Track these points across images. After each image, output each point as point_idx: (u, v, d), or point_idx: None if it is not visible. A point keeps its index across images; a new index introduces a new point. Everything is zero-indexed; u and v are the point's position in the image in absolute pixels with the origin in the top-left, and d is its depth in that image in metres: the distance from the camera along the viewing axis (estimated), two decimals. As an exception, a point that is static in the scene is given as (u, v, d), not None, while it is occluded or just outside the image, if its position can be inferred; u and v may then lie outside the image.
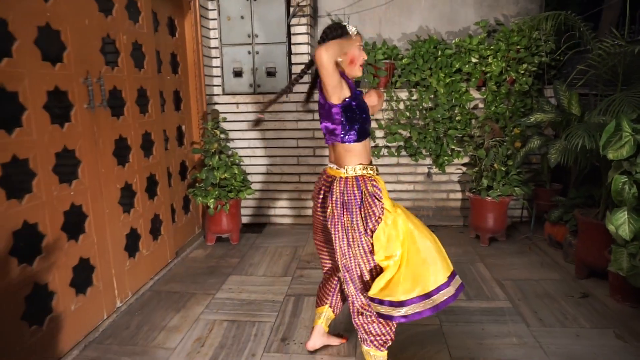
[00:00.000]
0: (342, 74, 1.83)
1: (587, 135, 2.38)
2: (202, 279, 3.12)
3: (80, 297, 2.32)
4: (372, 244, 1.79)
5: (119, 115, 2.69)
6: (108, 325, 2.49)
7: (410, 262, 1.77)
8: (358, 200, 1.79)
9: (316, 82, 1.96)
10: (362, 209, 1.78)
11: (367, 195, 1.79)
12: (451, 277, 1.81)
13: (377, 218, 1.77)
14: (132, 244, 2.83)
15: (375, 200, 1.78)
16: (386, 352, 1.96)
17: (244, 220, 4.28)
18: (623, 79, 2.58)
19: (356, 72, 1.87)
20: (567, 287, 2.88)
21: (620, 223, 2.09)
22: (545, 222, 3.57)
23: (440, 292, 1.76)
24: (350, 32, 1.81)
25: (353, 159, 1.85)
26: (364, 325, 1.92)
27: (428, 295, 1.75)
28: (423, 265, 1.76)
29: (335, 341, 2.28)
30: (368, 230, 1.77)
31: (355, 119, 1.80)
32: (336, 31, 1.82)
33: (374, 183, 1.82)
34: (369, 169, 1.85)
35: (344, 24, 1.86)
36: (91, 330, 2.39)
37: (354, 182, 1.81)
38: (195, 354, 2.23)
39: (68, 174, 2.26)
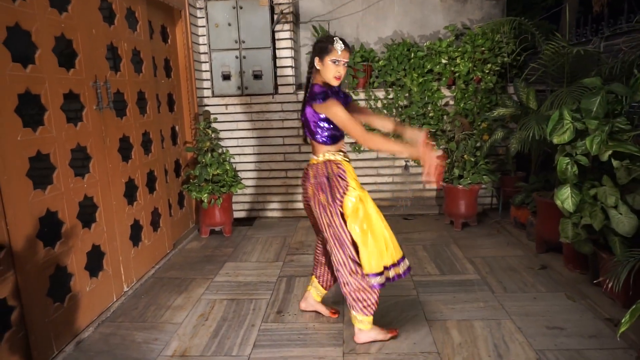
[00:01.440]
0: (329, 88, 2.14)
1: (537, 126, 2.75)
2: (200, 266, 3.38)
3: (94, 279, 2.57)
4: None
5: (122, 116, 2.94)
6: (118, 307, 2.74)
7: (376, 237, 2.13)
8: (325, 180, 2.15)
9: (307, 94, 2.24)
10: (330, 187, 2.14)
11: (332, 175, 2.15)
12: (402, 258, 2.24)
13: (342, 192, 2.12)
14: (135, 234, 3.08)
15: (339, 179, 2.14)
16: (372, 316, 2.27)
17: (236, 215, 4.55)
18: (569, 76, 2.96)
19: (333, 82, 2.13)
20: (529, 261, 3.24)
21: (565, 197, 2.45)
22: (510, 206, 3.94)
23: (396, 267, 2.21)
24: (337, 49, 2.02)
25: (325, 150, 2.21)
26: (351, 293, 2.21)
27: (387, 268, 2.17)
28: (384, 241, 2.15)
29: (324, 311, 2.57)
30: (337, 202, 2.12)
31: (330, 128, 2.15)
32: (322, 43, 2.07)
33: (339, 165, 2.17)
34: (336, 154, 2.20)
35: (335, 39, 2.05)
36: (103, 310, 2.64)
37: (323, 166, 2.18)
38: (200, 327, 2.51)
39: (81, 168, 2.51)
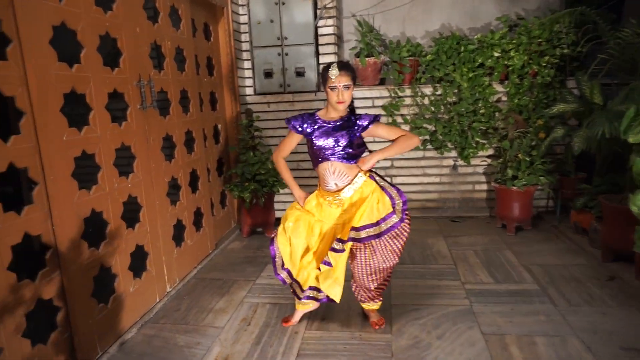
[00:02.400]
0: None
1: (608, 123, 2.49)
2: (242, 268, 3.32)
3: (137, 280, 2.55)
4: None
5: (165, 115, 2.92)
6: (160, 308, 2.72)
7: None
8: None
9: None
10: None
11: None
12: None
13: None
14: (178, 234, 3.06)
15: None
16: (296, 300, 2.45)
17: (278, 214, 4.47)
18: (644, 67, 2.68)
19: (337, 108, 2.17)
20: (594, 271, 2.97)
21: (643, 203, 2.20)
22: (570, 210, 3.66)
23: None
24: (331, 76, 2.09)
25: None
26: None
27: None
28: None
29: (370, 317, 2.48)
30: None
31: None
32: (323, 72, 2.16)
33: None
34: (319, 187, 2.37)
35: (332, 65, 2.11)
36: (146, 311, 2.62)
37: None
38: (242, 332, 2.43)
39: (126, 167, 2.49)
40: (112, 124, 2.35)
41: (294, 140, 2.33)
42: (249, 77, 4.32)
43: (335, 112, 2.21)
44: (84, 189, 2.13)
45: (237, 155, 4.06)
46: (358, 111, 2.30)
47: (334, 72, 2.08)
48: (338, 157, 2.18)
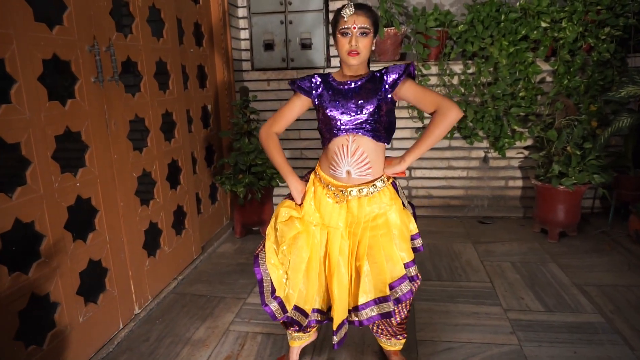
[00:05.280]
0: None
1: None
2: (232, 279, 2.75)
3: (91, 306, 1.97)
4: None
5: (134, 93, 2.30)
6: (124, 337, 2.15)
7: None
8: None
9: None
10: None
11: None
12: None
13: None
14: (151, 240, 2.47)
15: None
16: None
17: (276, 210, 3.89)
18: None
19: (348, 62, 1.54)
20: (670, 297, 2.37)
21: None
22: (629, 214, 3.03)
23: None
24: (344, 15, 1.49)
25: None
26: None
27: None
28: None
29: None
30: None
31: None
32: (333, 23, 1.55)
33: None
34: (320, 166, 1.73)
35: (348, 3, 1.53)
36: (105, 343, 2.05)
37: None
38: (224, 377, 1.86)
39: (73, 161, 1.89)
40: (50, 102, 1.74)
41: (296, 107, 1.65)
42: (246, 50, 3.67)
43: (349, 69, 1.57)
44: (1, 193, 1.53)
45: (230, 143, 3.45)
46: None
47: (348, 10, 1.48)
48: (363, 130, 1.54)
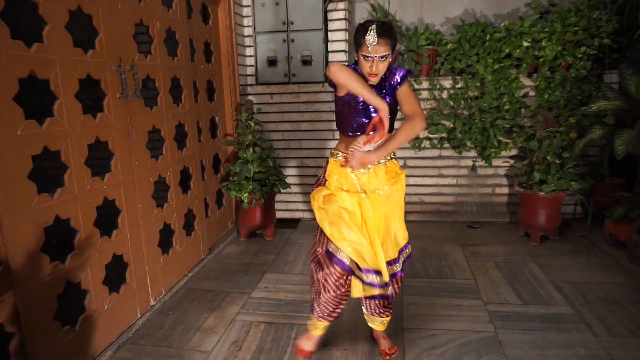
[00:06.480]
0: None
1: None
2: (237, 277, 3.00)
3: (114, 295, 2.23)
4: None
5: (152, 106, 2.58)
6: (142, 325, 2.40)
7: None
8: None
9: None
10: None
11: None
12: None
13: (317, 183, 2.01)
14: (165, 239, 2.73)
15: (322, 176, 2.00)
16: (315, 319, 2.07)
17: (278, 215, 4.15)
18: None
19: (369, 80, 1.80)
20: (636, 292, 2.61)
21: None
22: (604, 219, 3.27)
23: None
24: (367, 43, 1.70)
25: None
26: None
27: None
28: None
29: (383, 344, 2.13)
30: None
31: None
32: (357, 33, 1.75)
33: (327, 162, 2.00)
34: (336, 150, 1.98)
35: (370, 29, 1.69)
36: (125, 329, 2.30)
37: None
38: (232, 359, 2.10)
39: (103, 167, 2.16)
40: (84, 115, 2.01)
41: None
42: (251, 65, 3.96)
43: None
44: (45, 193, 1.80)
45: (235, 152, 3.72)
46: None
47: (370, 37, 1.68)
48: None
